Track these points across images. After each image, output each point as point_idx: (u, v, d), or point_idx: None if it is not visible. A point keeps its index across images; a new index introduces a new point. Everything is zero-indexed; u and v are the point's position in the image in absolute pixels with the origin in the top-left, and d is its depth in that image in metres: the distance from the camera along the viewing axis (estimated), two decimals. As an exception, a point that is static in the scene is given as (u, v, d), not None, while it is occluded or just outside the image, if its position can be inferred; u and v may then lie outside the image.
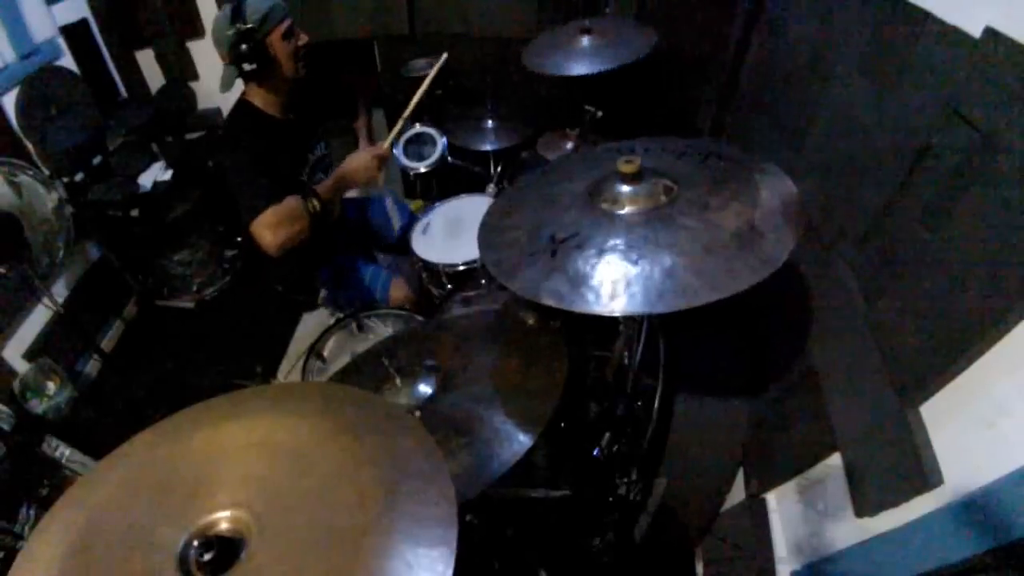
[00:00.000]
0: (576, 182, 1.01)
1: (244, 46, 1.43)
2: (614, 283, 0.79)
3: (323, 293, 1.88)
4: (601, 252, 0.84)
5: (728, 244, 0.81)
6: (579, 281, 0.81)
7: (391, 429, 0.69)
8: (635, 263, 0.80)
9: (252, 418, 0.72)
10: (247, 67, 1.47)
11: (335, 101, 1.89)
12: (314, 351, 1.62)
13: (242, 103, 1.60)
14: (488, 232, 0.99)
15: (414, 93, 2.37)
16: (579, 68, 1.70)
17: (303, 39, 1.52)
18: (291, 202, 1.47)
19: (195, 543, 0.57)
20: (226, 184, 1.54)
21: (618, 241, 0.85)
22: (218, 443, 0.69)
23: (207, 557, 0.55)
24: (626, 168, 0.91)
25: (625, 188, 0.92)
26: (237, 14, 1.42)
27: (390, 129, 2.81)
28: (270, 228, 1.44)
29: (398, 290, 1.86)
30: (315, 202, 1.48)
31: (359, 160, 1.57)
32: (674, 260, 0.80)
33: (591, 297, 0.79)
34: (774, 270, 0.77)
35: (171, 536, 0.59)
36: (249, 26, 1.42)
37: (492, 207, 1.07)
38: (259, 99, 1.59)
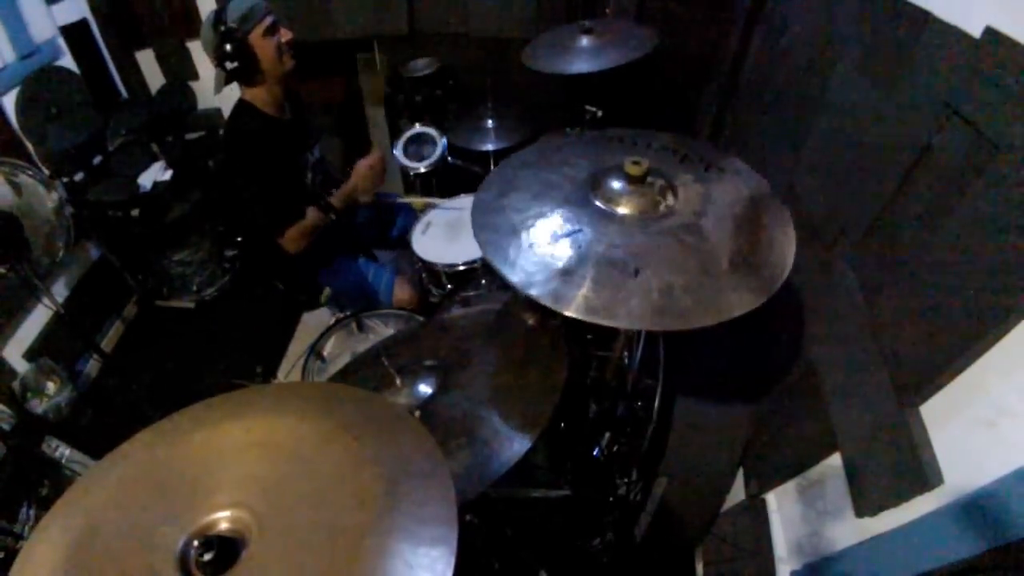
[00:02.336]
0: (578, 169, 1.00)
1: (228, 46, 1.48)
2: (605, 291, 0.79)
3: (327, 291, 1.88)
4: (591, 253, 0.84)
5: (725, 269, 0.81)
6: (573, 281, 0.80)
7: (391, 429, 0.69)
8: (634, 275, 0.80)
9: (252, 418, 0.72)
10: (230, 66, 1.50)
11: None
12: (314, 351, 1.62)
13: (241, 104, 1.61)
14: (484, 211, 0.96)
15: (414, 93, 2.38)
16: (579, 67, 1.70)
17: (286, 35, 1.54)
18: (312, 216, 1.68)
19: (195, 543, 0.57)
20: (234, 191, 1.62)
21: (614, 246, 0.84)
22: (218, 443, 0.69)
23: (207, 557, 0.55)
24: (633, 170, 0.91)
25: (625, 188, 0.92)
26: (219, 17, 1.47)
27: (390, 128, 2.82)
28: (295, 241, 1.67)
29: (402, 291, 1.87)
30: (332, 216, 1.71)
31: (364, 165, 1.76)
32: (671, 278, 0.79)
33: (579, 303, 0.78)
34: (770, 296, 0.77)
35: (171, 536, 0.59)
36: (231, 26, 1.46)
37: (488, 183, 1.03)
38: (257, 99, 1.60)
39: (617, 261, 0.82)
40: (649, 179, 0.92)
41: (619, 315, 0.77)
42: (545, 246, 0.86)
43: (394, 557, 0.54)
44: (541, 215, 0.92)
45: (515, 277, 0.83)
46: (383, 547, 0.55)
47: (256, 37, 1.49)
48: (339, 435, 0.66)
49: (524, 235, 0.88)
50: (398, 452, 0.65)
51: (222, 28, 1.46)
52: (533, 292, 0.80)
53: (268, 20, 1.50)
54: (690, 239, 0.85)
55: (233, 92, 1.61)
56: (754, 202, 0.92)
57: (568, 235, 0.87)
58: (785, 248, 0.87)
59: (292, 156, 1.69)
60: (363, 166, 1.75)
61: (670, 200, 0.91)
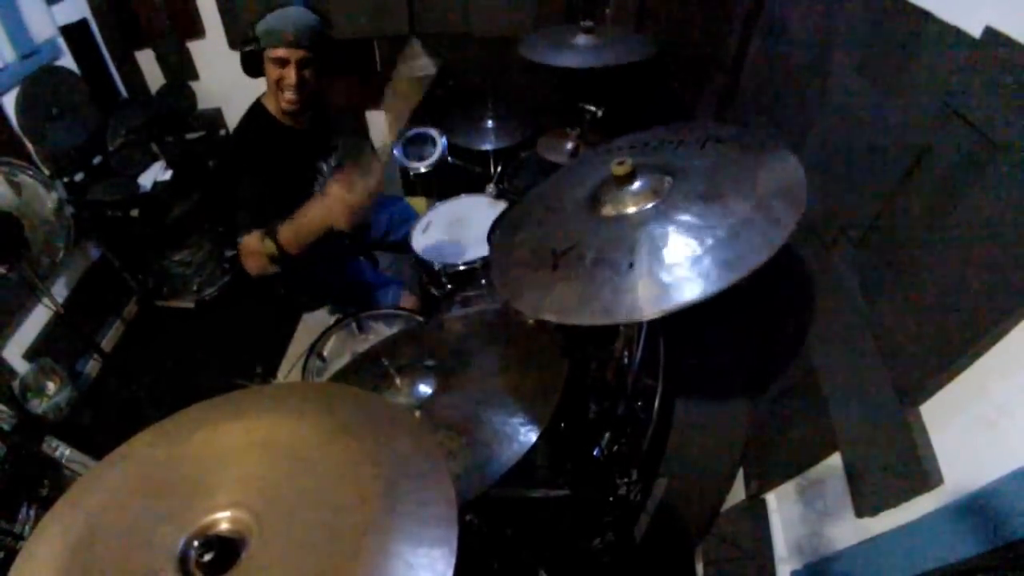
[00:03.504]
0: (578, 189, 1.02)
1: (246, 48, 1.49)
2: (608, 292, 0.79)
3: (329, 304, 1.89)
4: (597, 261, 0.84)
5: (731, 229, 0.79)
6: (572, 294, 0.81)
7: (391, 429, 0.69)
8: (629, 268, 0.80)
9: (252, 418, 0.72)
10: (243, 67, 1.52)
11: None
12: (314, 351, 1.62)
13: (257, 107, 1.61)
14: (500, 254, 1.01)
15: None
16: (578, 61, 1.70)
17: (290, 76, 1.48)
18: (251, 238, 1.43)
19: (195, 543, 0.57)
20: (228, 189, 1.57)
21: (615, 245, 0.85)
22: (218, 443, 0.69)
23: (207, 557, 0.55)
24: (619, 171, 0.91)
25: (621, 190, 0.92)
26: (255, 20, 1.48)
27: (390, 128, 2.81)
28: (243, 256, 1.50)
29: (408, 303, 1.87)
30: (270, 243, 1.38)
31: (330, 198, 1.33)
32: (677, 253, 0.79)
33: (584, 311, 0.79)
34: (777, 249, 0.74)
35: (171, 536, 0.59)
36: (254, 35, 1.47)
37: (502, 228, 1.09)
38: (273, 104, 1.59)
39: (615, 260, 0.82)
40: (639, 176, 0.92)
41: (623, 310, 0.77)
42: (548, 267, 0.87)
43: (394, 557, 0.54)
44: (544, 239, 0.94)
45: (524, 308, 0.85)
46: (383, 547, 0.55)
47: (268, 58, 1.49)
48: (339, 435, 0.66)
49: (529, 263, 0.91)
50: (398, 452, 0.65)
51: (250, 33, 1.48)
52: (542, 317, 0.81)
53: (280, 51, 1.46)
54: (696, 210, 0.84)
55: (236, 93, 1.61)
56: (754, 149, 0.91)
57: (567, 251, 0.88)
58: (794, 177, 0.84)
59: (298, 164, 1.66)
60: (329, 197, 1.33)
61: (667, 186, 0.91)
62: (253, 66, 1.53)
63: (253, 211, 1.47)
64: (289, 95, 1.52)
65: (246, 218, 1.47)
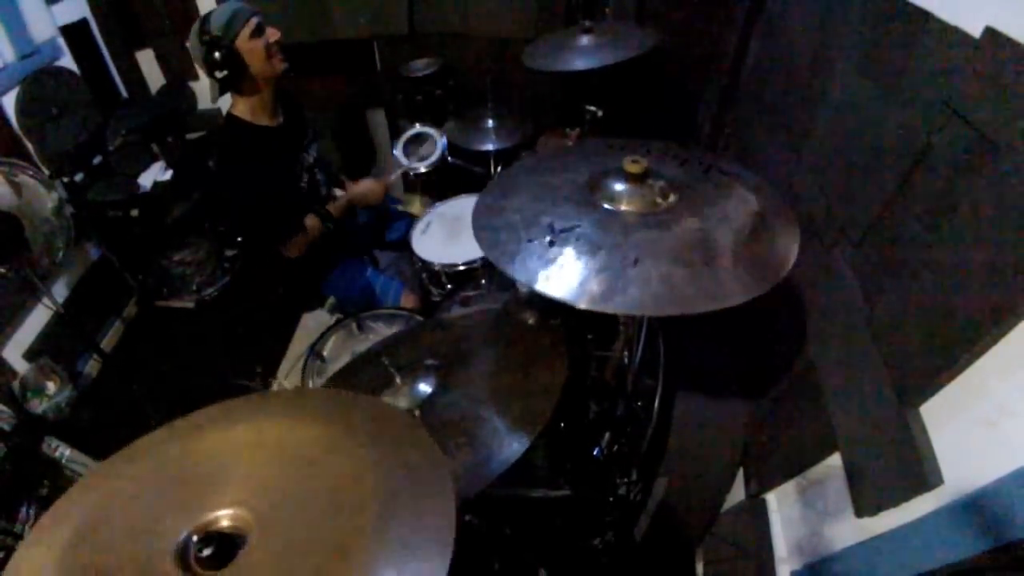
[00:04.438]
0: (577, 173, 1.01)
1: (215, 55, 1.46)
2: (605, 279, 0.79)
3: (331, 300, 1.88)
4: (598, 248, 0.84)
5: (727, 263, 0.81)
6: (572, 273, 0.81)
7: (400, 440, 0.68)
8: (634, 264, 0.80)
9: (264, 420, 0.72)
10: (219, 74, 1.49)
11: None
12: (314, 351, 1.62)
13: (230, 120, 1.60)
14: (485, 212, 0.98)
15: (414, 93, 2.39)
16: (579, 64, 1.70)
17: (274, 35, 1.53)
18: (313, 224, 1.74)
19: (195, 538, 0.58)
20: (227, 203, 1.68)
21: (615, 239, 0.85)
22: (229, 443, 0.69)
23: (206, 552, 0.56)
24: (632, 168, 0.91)
25: (626, 187, 0.92)
26: (203, 26, 1.46)
27: (390, 128, 2.81)
28: (296, 248, 1.75)
29: (407, 302, 1.87)
30: (331, 224, 1.78)
31: (367, 186, 1.92)
32: (668, 268, 0.80)
33: (581, 291, 0.79)
34: (766, 290, 0.78)
35: (174, 529, 0.59)
36: (215, 35, 1.45)
37: (489, 188, 1.05)
38: (246, 110, 1.59)
39: (617, 253, 0.83)
40: (649, 180, 0.92)
41: (618, 302, 0.78)
42: (545, 242, 0.86)
43: (386, 566, 0.54)
44: (541, 213, 0.92)
45: (518, 274, 0.83)
46: (376, 555, 0.55)
47: (243, 42, 1.48)
48: (347, 443, 0.66)
49: (523, 232, 0.89)
50: (403, 463, 0.64)
51: (207, 38, 1.45)
52: (536, 287, 0.81)
53: (253, 21, 1.48)
54: (691, 235, 0.86)
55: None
56: (757, 203, 0.92)
57: (567, 231, 0.87)
58: (788, 246, 0.87)
59: (285, 163, 1.68)
60: (367, 184, 1.89)
61: (671, 199, 0.91)
62: (235, 69, 1.50)
63: (280, 217, 1.68)
64: (280, 55, 1.55)
65: (285, 226, 1.70)
